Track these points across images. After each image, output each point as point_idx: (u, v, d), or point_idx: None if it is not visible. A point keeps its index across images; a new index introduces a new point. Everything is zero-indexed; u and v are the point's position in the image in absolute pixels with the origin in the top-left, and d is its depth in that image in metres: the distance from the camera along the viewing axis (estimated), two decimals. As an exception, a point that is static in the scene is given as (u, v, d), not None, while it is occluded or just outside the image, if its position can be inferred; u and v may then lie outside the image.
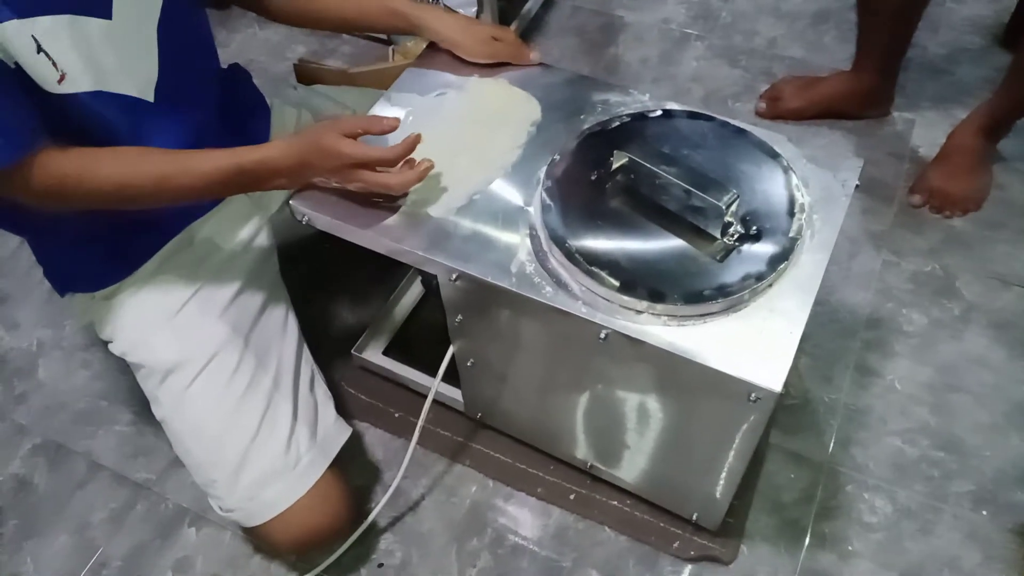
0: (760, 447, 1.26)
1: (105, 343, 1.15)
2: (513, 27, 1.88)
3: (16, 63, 0.85)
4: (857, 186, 0.99)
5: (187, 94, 1.05)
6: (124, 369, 1.17)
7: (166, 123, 1.01)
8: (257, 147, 0.96)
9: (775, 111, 1.73)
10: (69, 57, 0.88)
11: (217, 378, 1.10)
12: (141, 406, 1.26)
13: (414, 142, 0.95)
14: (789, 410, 1.31)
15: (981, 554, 1.18)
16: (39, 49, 0.85)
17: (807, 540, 1.20)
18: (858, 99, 1.69)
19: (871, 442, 1.28)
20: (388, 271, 1.52)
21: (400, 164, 0.97)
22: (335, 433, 1.17)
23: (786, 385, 0.83)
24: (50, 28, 0.85)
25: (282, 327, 1.19)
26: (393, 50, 1.86)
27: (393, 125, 0.95)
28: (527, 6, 1.94)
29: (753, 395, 0.84)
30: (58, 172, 0.89)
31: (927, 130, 1.70)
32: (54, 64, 0.87)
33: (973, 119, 1.56)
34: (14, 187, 0.89)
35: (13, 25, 0.82)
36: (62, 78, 0.88)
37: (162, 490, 1.31)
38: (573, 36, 1.97)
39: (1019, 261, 1.49)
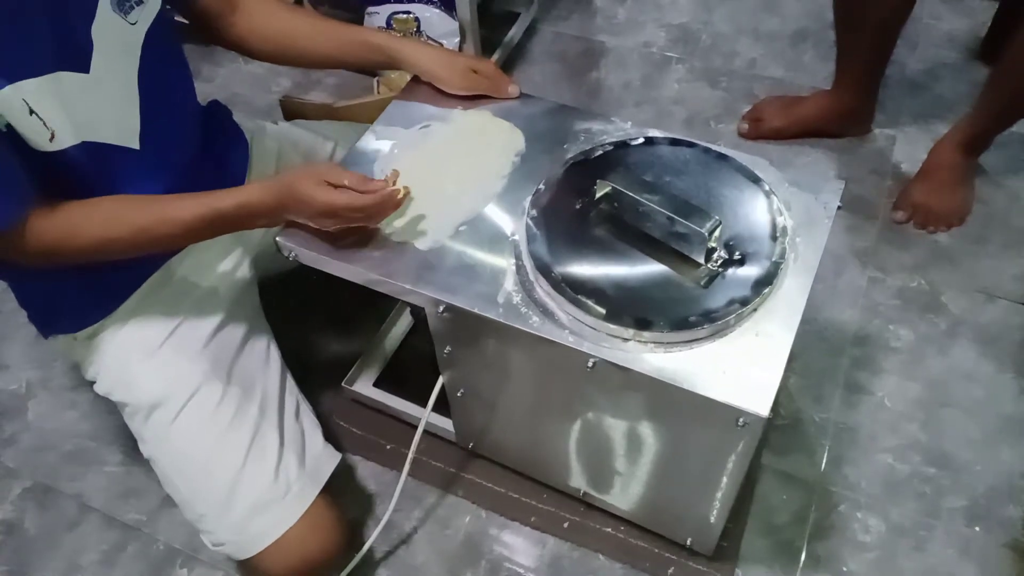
0: (752, 468, 1.26)
1: (90, 383, 1.15)
2: (496, 55, 1.90)
3: (7, 126, 0.86)
4: (839, 207, 1.00)
5: (171, 138, 1.06)
6: (112, 409, 1.17)
7: (153, 167, 1.03)
8: (235, 190, 0.97)
9: (757, 131, 1.74)
10: (56, 114, 0.89)
11: (201, 412, 1.09)
12: (130, 446, 1.26)
13: (389, 196, 0.95)
14: (780, 430, 1.31)
15: (976, 570, 1.18)
16: (31, 112, 0.86)
17: (802, 562, 1.19)
18: (839, 118, 1.71)
19: (862, 460, 1.28)
20: (376, 302, 1.51)
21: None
22: (324, 460, 1.16)
23: (776, 405, 0.83)
24: (38, 89, 0.87)
25: (264, 358, 1.18)
26: (378, 81, 1.87)
27: (379, 187, 0.95)
28: (509, 34, 1.96)
29: (741, 420, 0.84)
30: (44, 237, 0.91)
31: (908, 146, 1.72)
32: (44, 124, 0.88)
33: (953, 134, 1.58)
34: (4, 249, 0.91)
35: (6, 92, 0.84)
36: (52, 136, 0.90)
37: (153, 531, 1.29)
38: (556, 62, 1.99)
39: (1004, 274, 1.50)
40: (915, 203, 1.58)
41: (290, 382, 1.21)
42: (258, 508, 1.07)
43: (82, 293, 1.09)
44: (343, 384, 1.35)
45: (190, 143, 1.11)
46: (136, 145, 1.00)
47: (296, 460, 1.12)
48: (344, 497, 1.26)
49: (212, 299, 1.16)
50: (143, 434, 1.12)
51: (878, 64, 1.63)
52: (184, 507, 1.12)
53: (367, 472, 1.33)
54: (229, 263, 1.19)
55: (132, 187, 1.00)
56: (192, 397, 1.09)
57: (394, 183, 0.96)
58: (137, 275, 1.10)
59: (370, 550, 1.19)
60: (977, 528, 1.21)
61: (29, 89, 0.86)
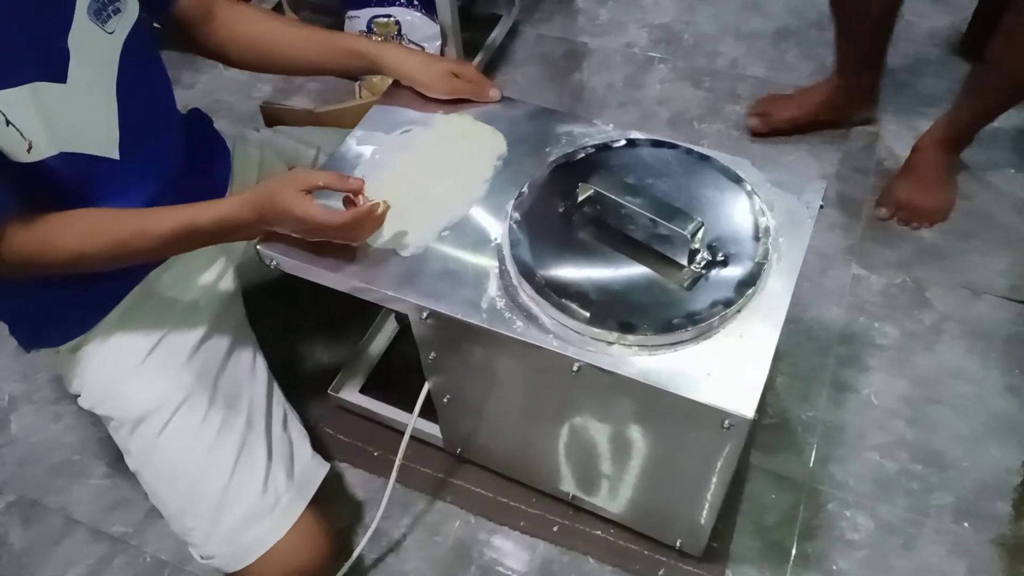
0: (741, 468, 1.26)
1: (74, 397, 1.14)
2: (478, 58, 1.89)
3: None
4: (821, 207, 1.00)
5: (151, 147, 1.04)
6: (97, 421, 1.15)
7: (133, 177, 1.02)
8: (213, 204, 0.96)
9: (769, 124, 1.73)
10: (34, 125, 0.88)
11: (188, 424, 1.08)
12: (115, 458, 1.24)
13: (366, 212, 0.94)
14: (768, 430, 1.31)
15: (965, 566, 1.18)
16: (7, 122, 0.85)
17: (791, 561, 1.19)
18: (848, 102, 1.70)
19: (850, 458, 1.29)
20: (363, 308, 1.50)
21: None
22: (312, 470, 1.16)
23: (764, 405, 0.83)
24: (14, 100, 0.86)
25: (251, 369, 1.17)
26: (360, 85, 1.86)
27: (357, 187, 0.95)
28: (492, 36, 1.95)
29: (726, 422, 0.83)
30: (21, 247, 0.91)
31: (891, 143, 1.72)
32: (21, 135, 0.87)
33: (935, 131, 1.58)
34: None
35: None
36: (30, 147, 0.89)
37: (140, 543, 1.28)
38: (539, 64, 1.98)
39: (989, 270, 1.50)
40: (898, 200, 1.58)
41: (277, 392, 1.20)
42: (247, 521, 1.07)
43: (64, 307, 1.08)
44: (329, 391, 1.34)
45: (171, 152, 1.10)
46: (116, 155, 0.99)
47: (284, 471, 1.11)
48: (332, 505, 1.25)
49: (196, 311, 1.15)
50: (129, 448, 1.11)
51: (882, 43, 1.61)
52: (172, 520, 1.11)
53: (355, 479, 1.32)
54: (212, 274, 1.18)
55: (113, 197, 0.99)
56: (178, 410, 1.08)
57: (384, 205, 0.96)
58: (119, 288, 1.09)
59: (359, 558, 1.18)
60: (966, 524, 1.21)
61: (6, 99, 0.85)
